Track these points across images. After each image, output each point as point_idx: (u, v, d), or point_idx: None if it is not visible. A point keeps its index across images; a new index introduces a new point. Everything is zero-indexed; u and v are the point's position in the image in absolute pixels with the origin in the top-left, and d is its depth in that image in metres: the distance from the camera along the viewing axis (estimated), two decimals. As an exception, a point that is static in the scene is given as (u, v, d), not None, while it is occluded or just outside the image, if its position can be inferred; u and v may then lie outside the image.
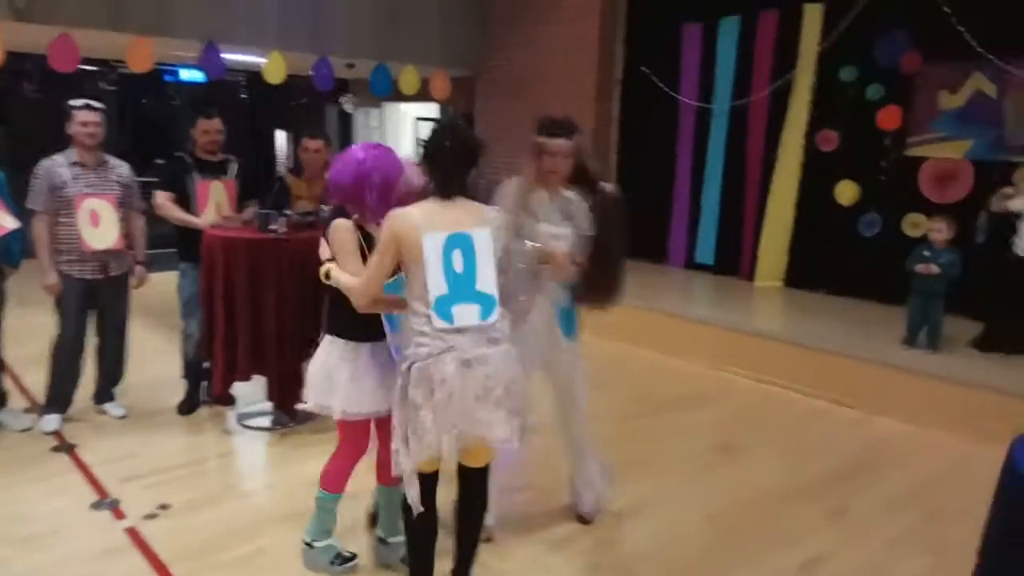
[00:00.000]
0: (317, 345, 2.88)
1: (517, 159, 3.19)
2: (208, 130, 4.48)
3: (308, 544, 2.99)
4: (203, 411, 4.63)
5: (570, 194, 3.12)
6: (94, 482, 3.70)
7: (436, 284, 2.36)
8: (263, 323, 4.10)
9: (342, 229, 2.66)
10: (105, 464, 3.90)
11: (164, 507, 3.46)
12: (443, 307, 2.36)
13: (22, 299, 4.44)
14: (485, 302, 2.41)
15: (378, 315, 2.65)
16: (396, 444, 2.41)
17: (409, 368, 2.37)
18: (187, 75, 9.96)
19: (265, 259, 4.08)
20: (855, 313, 6.44)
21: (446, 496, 2.66)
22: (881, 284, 6.55)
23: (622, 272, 3.22)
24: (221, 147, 4.57)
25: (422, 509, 2.45)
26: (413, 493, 2.42)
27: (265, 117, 11.19)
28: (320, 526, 2.97)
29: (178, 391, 4.69)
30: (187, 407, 4.62)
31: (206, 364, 4.50)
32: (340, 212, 2.73)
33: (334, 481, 2.92)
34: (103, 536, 3.22)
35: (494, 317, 2.42)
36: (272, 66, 7.59)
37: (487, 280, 2.41)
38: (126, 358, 4.57)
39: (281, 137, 13.01)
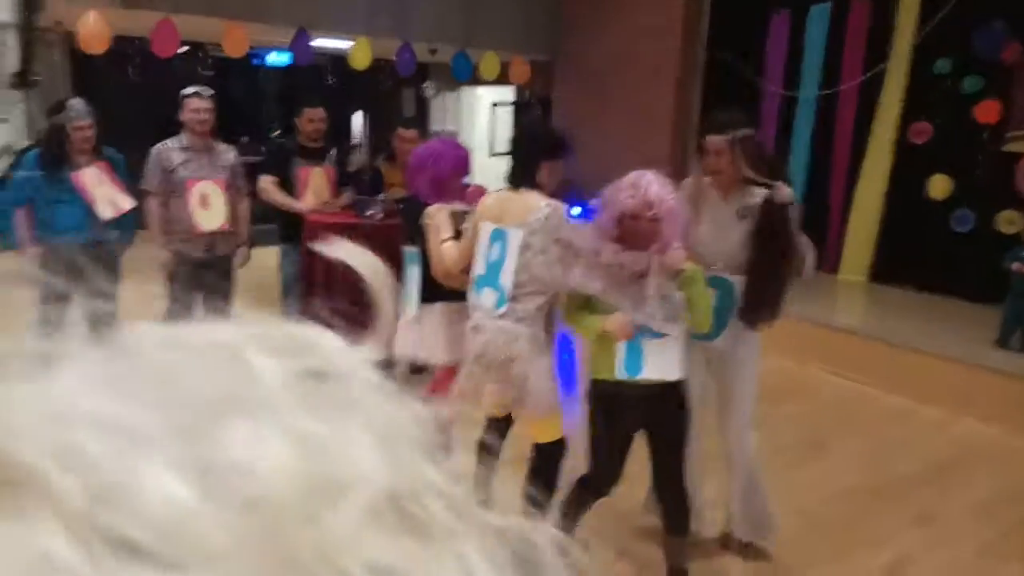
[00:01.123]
0: None
1: (592, 144, 3.30)
2: (312, 118, 4.67)
3: None
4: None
5: (753, 195, 2.85)
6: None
7: (478, 265, 2.81)
8: (359, 305, 4.27)
9: (432, 210, 3.11)
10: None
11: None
12: (478, 285, 2.82)
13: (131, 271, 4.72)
14: (502, 292, 2.74)
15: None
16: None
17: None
18: (273, 59, 10.26)
19: (362, 243, 4.23)
20: (943, 311, 6.28)
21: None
22: (971, 282, 6.37)
23: (781, 287, 2.91)
24: (323, 135, 4.75)
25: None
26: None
27: (344, 100, 11.43)
28: None
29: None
30: (283, 382, 4.85)
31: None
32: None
33: None
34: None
35: (504, 308, 2.74)
36: (358, 51, 7.77)
37: (507, 274, 2.73)
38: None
39: (358, 119, 13.28)
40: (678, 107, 8.28)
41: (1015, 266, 5.04)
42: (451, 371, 3.16)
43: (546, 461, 2.91)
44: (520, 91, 10.32)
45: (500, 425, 3.02)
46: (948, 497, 3.88)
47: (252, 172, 4.69)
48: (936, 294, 6.65)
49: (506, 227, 2.73)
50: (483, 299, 2.78)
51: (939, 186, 6.50)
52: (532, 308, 2.74)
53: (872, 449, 4.46)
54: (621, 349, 2.52)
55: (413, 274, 3.23)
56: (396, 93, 12.09)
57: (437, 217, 3.09)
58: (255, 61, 10.40)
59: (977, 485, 4.04)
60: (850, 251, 7.25)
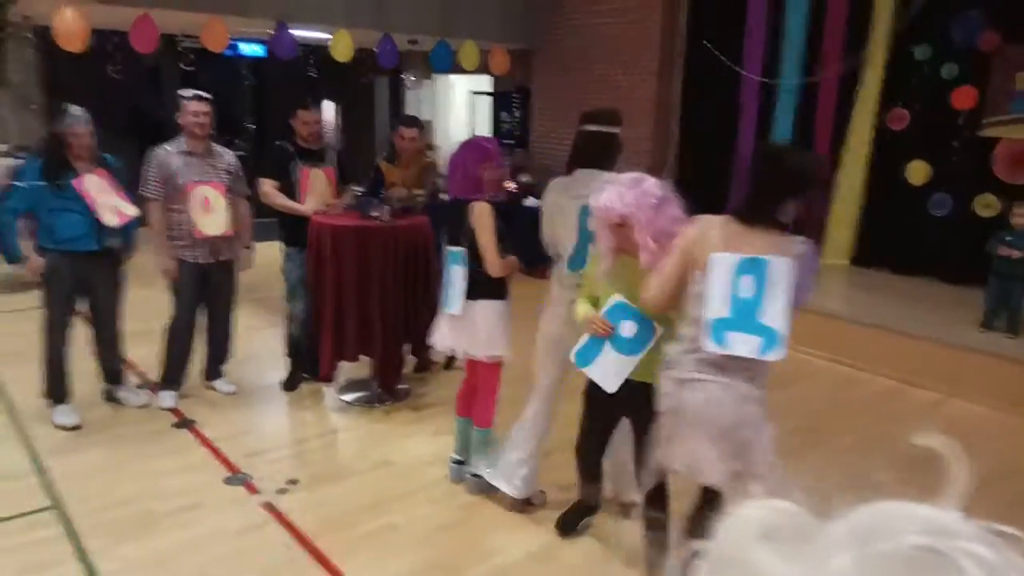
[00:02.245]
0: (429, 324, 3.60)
1: (572, 133, 3.40)
2: (308, 121, 4.63)
3: (476, 476, 3.53)
4: (303, 387, 4.85)
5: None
6: (221, 457, 3.93)
7: (713, 307, 2.37)
8: (370, 306, 4.28)
9: (478, 210, 3.26)
10: (226, 440, 4.13)
11: (293, 482, 3.68)
12: (716, 332, 2.37)
13: (134, 278, 4.66)
14: (773, 336, 2.36)
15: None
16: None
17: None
18: (247, 49, 10.08)
19: (372, 245, 4.25)
20: (924, 293, 6.49)
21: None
22: (951, 265, 6.59)
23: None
24: (320, 136, 4.71)
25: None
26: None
27: (318, 92, 11.30)
28: (484, 456, 3.56)
29: (278, 367, 4.91)
30: (291, 384, 4.83)
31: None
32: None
33: (487, 418, 3.55)
34: (243, 511, 3.44)
35: (774, 353, 2.36)
36: (339, 43, 7.68)
37: (778, 314, 2.34)
38: (233, 337, 4.78)
39: (329, 108, 13.11)
40: (659, 96, 8.35)
41: (1001, 249, 5.22)
42: (493, 367, 3.42)
43: (714, 507, 2.57)
44: (497, 80, 10.30)
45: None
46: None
47: (248, 170, 4.65)
48: (916, 276, 6.86)
49: (763, 256, 2.28)
50: (729, 347, 2.30)
51: (918, 171, 6.68)
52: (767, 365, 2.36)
53: (869, 432, 4.61)
54: (584, 339, 2.84)
55: (457, 272, 3.31)
56: (369, 84, 11.98)
57: (483, 217, 3.22)
58: (227, 53, 10.19)
59: (974, 463, 4.20)
60: (832, 236, 7.42)
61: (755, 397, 2.33)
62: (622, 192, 2.60)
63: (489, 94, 10.65)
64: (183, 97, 4.31)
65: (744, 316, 2.29)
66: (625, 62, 8.57)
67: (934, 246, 6.74)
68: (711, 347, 2.33)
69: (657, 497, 2.76)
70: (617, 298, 2.77)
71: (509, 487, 3.43)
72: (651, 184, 2.64)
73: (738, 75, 7.89)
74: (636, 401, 2.74)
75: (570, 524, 3.29)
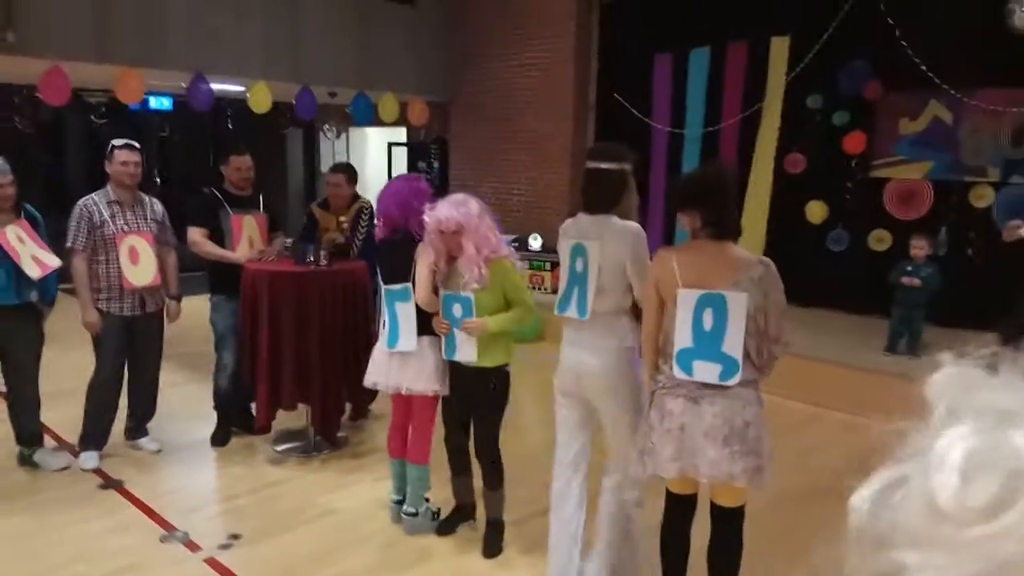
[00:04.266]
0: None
1: (492, 180, 3.53)
2: (240, 167, 4.60)
3: (412, 514, 3.56)
4: (235, 441, 4.70)
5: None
6: (155, 516, 3.76)
7: (681, 338, 2.57)
8: (308, 353, 4.23)
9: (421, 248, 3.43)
10: (158, 498, 3.95)
11: (236, 537, 3.55)
12: (683, 361, 2.56)
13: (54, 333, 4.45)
14: (731, 363, 2.53)
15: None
16: (637, 450, 2.68)
17: (653, 392, 2.66)
18: (155, 103, 9.88)
19: (310, 291, 4.22)
20: (827, 323, 6.90)
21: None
22: (851, 295, 7.05)
23: None
24: (251, 182, 4.68)
25: (640, 506, 2.80)
26: (635, 494, 2.76)
27: (234, 143, 11.20)
28: (420, 494, 3.64)
29: (205, 422, 4.75)
30: (220, 438, 4.68)
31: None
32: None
33: (425, 454, 3.61)
34: (185, 568, 3.30)
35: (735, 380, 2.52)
36: (257, 96, 7.66)
37: (735, 344, 2.53)
38: (157, 392, 4.61)
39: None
40: (574, 144, 8.67)
41: (904, 279, 5.65)
42: (431, 401, 3.52)
43: (730, 523, 2.69)
44: (414, 131, 10.45)
45: (686, 504, 2.76)
46: (872, 490, 4.28)
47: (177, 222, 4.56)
48: (820, 308, 7.30)
49: (720, 291, 2.47)
50: (694, 374, 2.50)
51: (815, 211, 7.18)
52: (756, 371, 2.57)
53: (794, 454, 4.84)
54: (443, 341, 3.37)
55: (404, 310, 3.36)
56: (281, 136, 11.92)
57: (424, 255, 3.34)
58: (132, 107, 9.96)
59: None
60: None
61: (755, 400, 2.53)
62: (457, 206, 3.20)
63: (407, 145, 10.78)
64: (113, 146, 4.21)
65: (706, 346, 2.48)
66: (540, 112, 8.89)
67: (834, 279, 7.20)
68: (679, 375, 2.52)
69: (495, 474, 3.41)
70: (444, 292, 3.33)
71: None
72: (475, 202, 3.25)
73: (647, 125, 8.31)
74: (482, 384, 3.32)
75: (446, 527, 3.63)
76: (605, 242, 2.84)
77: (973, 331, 5.85)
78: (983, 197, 6.18)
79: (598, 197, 2.93)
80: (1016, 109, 6.13)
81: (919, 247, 5.63)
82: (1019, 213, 5.21)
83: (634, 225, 2.88)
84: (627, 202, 2.95)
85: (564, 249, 3.01)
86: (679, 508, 2.72)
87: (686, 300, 2.51)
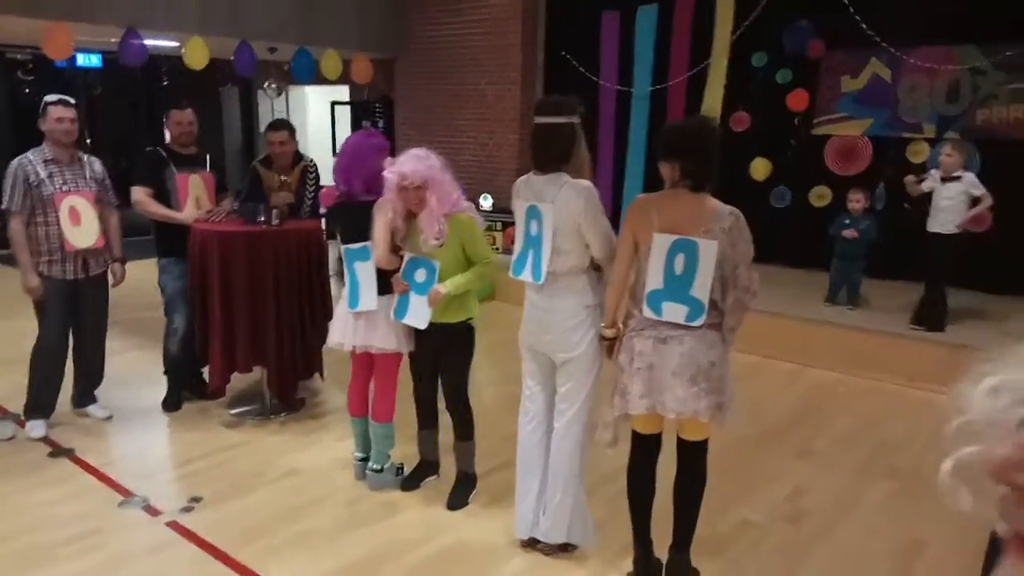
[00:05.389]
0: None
1: (440, 140, 3.51)
2: (180, 121, 4.44)
3: (377, 471, 3.60)
4: (187, 406, 4.62)
5: None
6: (110, 482, 3.68)
7: (652, 279, 2.66)
8: (263, 314, 4.16)
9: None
10: (112, 464, 3.88)
11: (196, 500, 3.51)
12: (652, 301, 2.65)
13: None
14: (697, 306, 2.60)
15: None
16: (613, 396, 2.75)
17: (621, 337, 2.76)
18: (83, 60, 9.40)
19: (263, 251, 4.13)
20: (771, 277, 6.97)
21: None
22: (793, 250, 7.25)
23: None
24: (195, 139, 4.53)
25: (613, 446, 2.78)
26: (608, 435, 2.77)
27: (163, 101, 10.77)
28: (384, 452, 3.66)
29: (154, 388, 4.65)
30: (172, 403, 4.59)
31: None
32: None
33: (389, 412, 3.61)
34: (146, 532, 3.25)
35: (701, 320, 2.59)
36: (193, 51, 7.36)
37: (703, 287, 2.60)
38: (104, 358, 4.48)
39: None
40: (523, 104, 8.62)
41: (845, 232, 5.84)
42: (395, 359, 3.54)
43: (696, 457, 2.79)
44: (357, 90, 10.23)
45: (651, 443, 2.83)
46: (818, 433, 4.50)
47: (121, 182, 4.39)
48: (763, 263, 7.46)
49: (692, 237, 2.55)
50: (662, 314, 2.59)
51: (759, 168, 7.32)
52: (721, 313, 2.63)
53: (743, 402, 5.00)
54: (395, 299, 3.37)
55: (364, 269, 3.32)
56: (216, 93, 11.52)
57: (380, 212, 3.29)
58: (58, 64, 9.48)
59: (837, 421, 4.70)
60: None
61: (719, 341, 2.62)
62: (420, 160, 3.16)
63: (350, 104, 10.55)
64: (46, 102, 4.01)
65: (675, 288, 2.59)
66: (488, 72, 8.80)
67: (777, 235, 7.38)
68: (647, 313, 2.64)
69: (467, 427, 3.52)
70: (407, 255, 3.32)
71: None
72: (436, 156, 3.22)
73: (595, 83, 8.31)
74: (448, 339, 3.37)
75: (411, 482, 3.67)
76: (559, 204, 2.82)
77: (907, 282, 6.16)
78: (919, 153, 6.40)
79: (548, 154, 2.87)
80: (951, 67, 6.35)
81: (856, 200, 5.82)
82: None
83: (586, 183, 2.85)
84: (578, 157, 2.89)
85: (519, 210, 2.98)
86: (644, 447, 2.82)
87: (660, 244, 2.59)
